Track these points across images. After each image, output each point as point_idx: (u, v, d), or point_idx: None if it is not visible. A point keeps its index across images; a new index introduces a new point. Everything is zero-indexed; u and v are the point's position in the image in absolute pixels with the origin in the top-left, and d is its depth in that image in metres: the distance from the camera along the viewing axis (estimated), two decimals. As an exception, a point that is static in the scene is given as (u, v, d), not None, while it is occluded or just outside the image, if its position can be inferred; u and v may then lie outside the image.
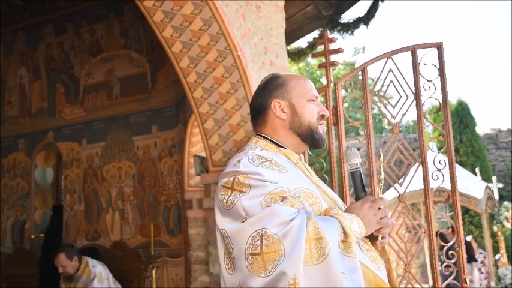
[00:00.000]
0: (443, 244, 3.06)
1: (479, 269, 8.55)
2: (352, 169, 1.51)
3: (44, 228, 6.72)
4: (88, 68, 6.61)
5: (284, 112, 1.57)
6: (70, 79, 6.75)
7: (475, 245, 8.95)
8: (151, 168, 6.11)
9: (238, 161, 1.45)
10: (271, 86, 1.61)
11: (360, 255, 1.38)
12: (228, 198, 1.39)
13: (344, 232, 1.33)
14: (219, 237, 1.43)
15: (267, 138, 1.59)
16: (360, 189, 1.50)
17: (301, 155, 1.64)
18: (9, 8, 6.64)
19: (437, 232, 3.22)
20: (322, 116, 1.60)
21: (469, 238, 9.02)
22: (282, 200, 1.34)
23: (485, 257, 8.86)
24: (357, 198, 1.49)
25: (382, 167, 1.62)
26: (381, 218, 1.43)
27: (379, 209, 1.45)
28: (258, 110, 1.62)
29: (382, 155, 1.65)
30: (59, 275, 4.72)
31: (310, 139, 1.57)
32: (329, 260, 1.26)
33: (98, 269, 4.77)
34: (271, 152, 1.54)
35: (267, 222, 1.29)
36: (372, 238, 1.47)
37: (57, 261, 4.59)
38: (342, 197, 3.03)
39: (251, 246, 1.28)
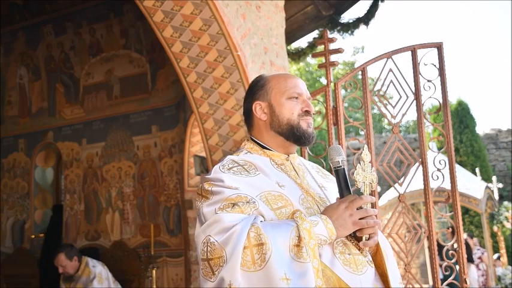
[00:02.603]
0: (443, 244, 3.06)
1: (477, 265, 8.54)
2: (335, 167, 1.46)
3: (44, 228, 6.71)
4: (88, 68, 6.61)
5: (264, 113, 1.59)
6: (70, 79, 6.74)
7: (471, 241, 8.91)
8: (151, 168, 6.11)
9: (212, 168, 1.49)
10: (254, 88, 1.64)
11: (329, 259, 1.37)
12: (198, 204, 1.45)
13: (298, 236, 1.30)
14: None
15: (254, 141, 1.61)
16: (344, 188, 1.44)
17: (289, 155, 1.60)
18: (9, 8, 6.64)
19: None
20: (307, 112, 1.56)
21: (464, 236, 8.96)
22: (232, 207, 1.35)
23: (483, 253, 8.84)
24: (341, 198, 1.44)
25: (359, 164, 1.52)
26: (360, 219, 1.38)
27: (360, 208, 1.39)
28: (245, 114, 1.66)
29: (365, 148, 1.56)
30: (59, 275, 4.72)
31: (291, 136, 1.55)
32: (269, 266, 1.25)
33: (98, 269, 4.77)
34: (254, 155, 1.56)
35: (212, 230, 1.33)
36: (357, 240, 1.43)
37: (57, 261, 4.58)
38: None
39: (202, 252, 1.33)
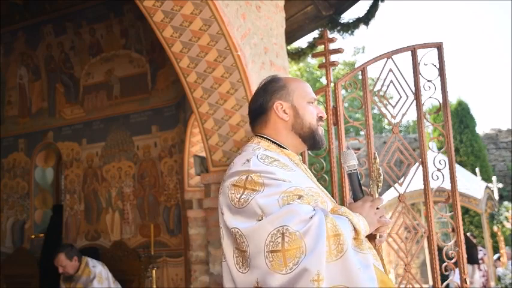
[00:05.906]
0: (444, 244, 3.05)
1: (478, 266, 8.53)
2: (350, 170, 1.55)
3: (44, 228, 6.71)
4: (88, 68, 6.61)
5: (286, 113, 1.60)
6: (70, 79, 6.74)
7: (474, 241, 8.90)
8: (151, 168, 6.11)
9: (248, 160, 1.45)
10: (272, 87, 1.64)
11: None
12: (241, 196, 1.40)
13: (355, 229, 1.38)
14: (226, 237, 1.43)
15: (268, 139, 1.60)
16: (357, 190, 1.54)
17: (300, 156, 1.69)
18: (9, 8, 6.64)
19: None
20: (321, 118, 1.64)
21: (468, 234, 8.97)
22: (299, 198, 1.38)
23: (485, 254, 8.83)
24: (355, 199, 1.53)
25: (375, 167, 1.64)
26: (380, 217, 1.48)
27: (377, 208, 1.50)
28: (259, 111, 1.63)
29: (377, 156, 1.71)
30: (59, 275, 4.72)
31: (311, 140, 1.61)
32: (347, 256, 1.30)
33: (98, 269, 4.77)
34: (274, 153, 1.55)
35: (288, 220, 1.31)
36: (370, 237, 1.51)
37: (57, 261, 4.59)
38: (342, 196, 3.03)
39: (271, 243, 1.30)
